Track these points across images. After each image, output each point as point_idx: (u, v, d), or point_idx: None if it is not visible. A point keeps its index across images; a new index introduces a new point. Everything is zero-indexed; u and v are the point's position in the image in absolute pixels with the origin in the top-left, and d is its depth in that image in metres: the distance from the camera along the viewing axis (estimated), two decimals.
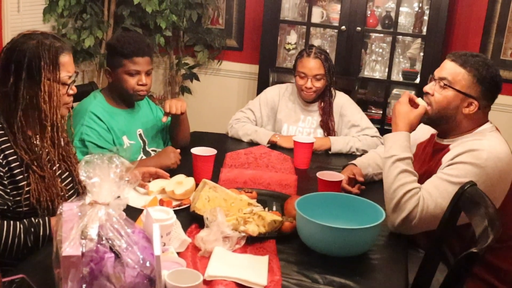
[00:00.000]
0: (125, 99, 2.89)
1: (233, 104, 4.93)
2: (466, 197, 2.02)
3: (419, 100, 2.40)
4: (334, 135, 3.37)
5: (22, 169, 2.03)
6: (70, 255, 1.48)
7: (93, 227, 1.54)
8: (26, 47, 2.02)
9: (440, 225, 2.13)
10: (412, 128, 2.37)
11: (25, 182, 2.03)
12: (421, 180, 2.30)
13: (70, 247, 1.50)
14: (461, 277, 1.65)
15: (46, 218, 2.02)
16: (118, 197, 1.62)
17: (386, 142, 2.37)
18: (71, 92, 2.14)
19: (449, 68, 2.33)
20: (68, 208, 1.61)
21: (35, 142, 2.09)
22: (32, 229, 1.98)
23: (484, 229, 1.74)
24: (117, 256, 1.55)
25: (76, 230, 1.54)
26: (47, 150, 2.10)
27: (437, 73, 2.38)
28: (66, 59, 2.09)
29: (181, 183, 2.42)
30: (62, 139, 2.18)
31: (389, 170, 2.28)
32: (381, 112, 4.39)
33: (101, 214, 1.57)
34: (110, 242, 1.54)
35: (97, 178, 1.57)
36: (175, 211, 2.22)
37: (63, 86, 2.09)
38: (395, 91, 4.52)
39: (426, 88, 2.39)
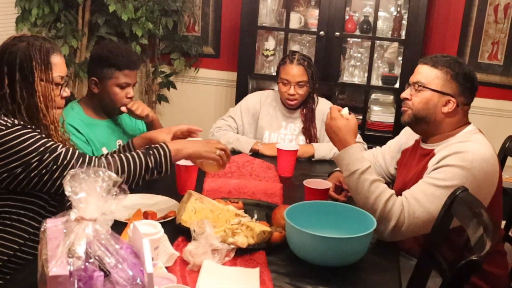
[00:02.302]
0: (108, 110, 2.82)
1: (211, 112, 4.88)
2: (459, 203, 1.99)
3: (344, 112, 2.37)
4: (317, 142, 3.34)
5: None
6: (57, 275, 1.41)
7: (81, 244, 1.47)
8: (16, 48, 2.03)
9: (432, 231, 2.10)
10: (356, 137, 2.35)
11: None
12: (407, 186, 2.29)
13: (57, 266, 1.43)
14: (460, 286, 1.62)
15: (164, 143, 2.17)
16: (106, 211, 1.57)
17: (341, 160, 2.28)
18: (64, 94, 2.15)
19: (422, 72, 2.36)
20: (53, 225, 1.55)
21: None
22: (151, 151, 2.12)
23: (480, 237, 1.71)
24: (106, 274, 1.49)
25: (62, 248, 1.47)
26: None
27: (412, 79, 2.40)
28: (57, 59, 2.09)
29: None
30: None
31: (357, 186, 2.22)
32: (361, 117, 4.36)
33: (88, 231, 1.50)
34: (98, 259, 1.48)
35: (83, 193, 1.50)
36: (161, 224, 2.17)
37: (56, 86, 2.09)
38: (374, 95, 4.51)
39: (403, 94, 2.41)
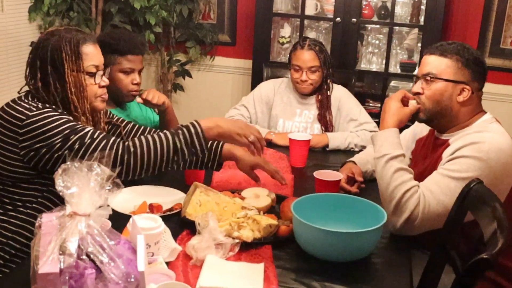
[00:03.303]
0: (115, 98, 2.77)
1: (227, 100, 4.81)
2: (473, 195, 1.91)
3: (412, 102, 2.31)
4: (332, 130, 3.27)
5: None
6: (47, 272, 1.37)
7: (72, 241, 1.43)
8: (48, 43, 2.06)
9: (445, 225, 2.02)
10: (400, 125, 2.29)
11: None
12: (421, 177, 2.20)
13: (47, 263, 1.39)
14: (470, 284, 1.54)
15: (195, 121, 2.08)
16: (100, 206, 1.51)
17: (376, 141, 2.27)
18: (102, 83, 2.16)
19: (431, 62, 2.26)
20: (48, 220, 1.50)
21: None
22: (180, 131, 2.03)
23: (494, 232, 1.63)
24: (101, 271, 1.44)
25: (54, 244, 1.42)
26: None
27: (420, 71, 2.31)
28: (89, 49, 2.11)
29: (259, 197, 2.31)
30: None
31: (383, 170, 2.18)
32: (379, 105, 4.27)
33: (81, 227, 1.45)
34: (91, 256, 1.43)
35: (75, 188, 1.45)
36: (166, 217, 2.12)
37: (89, 76, 2.11)
38: (393, 83, 4.40)
39: (414, 89, 2.30)
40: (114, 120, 2.41)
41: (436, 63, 2.24)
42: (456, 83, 2.22)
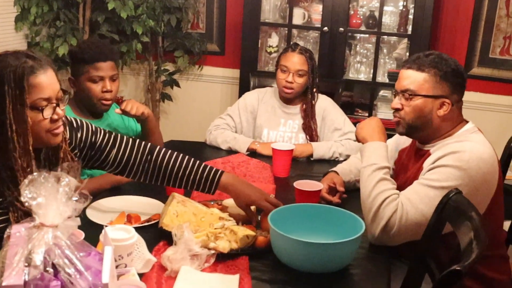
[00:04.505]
0: (91, 108, 2.75)
1: (216, 110, 4.78)
2: (451, 205, 1.89)
3: None
4: (317, 139, 3.25)
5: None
6: (11, 284, 1.34)
7: (39, 252, 1.40)
8: None
9: (424, 235, 2.00)
10: (386, 140, 2.34)
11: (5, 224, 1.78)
12: (403, 187, 2.20)
13: (11, 275, 1.36)
14: None
15: None
16: (69, 217, 1.49)
17: (364, 151, 2.28)
18: (55, 116, 1.83)
19: (408, 77, 2.23)
20: (16, 231, 1.48)
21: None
22: None
23: (469, 243, 1.61)
24: (69, 283, 1.41)
25: (20, 256, 1.40)
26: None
27: (398, 86, 2.27)
28: (40, 79, 1.78)
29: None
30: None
31: (367, 179, 2.18)
32: (367, 115, 4.25)
33: (48, 238, 1.43)
34: (57, 268, 1.41)
35: (42, 199, 1.43)
36: (144, 227, 2.10)
37: (36, 111, 1.79)
38: (382, 92, 4.40)
39: (393, 105, 2.28)
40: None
41: (413, 78, 2.21)
42: (435, 98, 2.19)
